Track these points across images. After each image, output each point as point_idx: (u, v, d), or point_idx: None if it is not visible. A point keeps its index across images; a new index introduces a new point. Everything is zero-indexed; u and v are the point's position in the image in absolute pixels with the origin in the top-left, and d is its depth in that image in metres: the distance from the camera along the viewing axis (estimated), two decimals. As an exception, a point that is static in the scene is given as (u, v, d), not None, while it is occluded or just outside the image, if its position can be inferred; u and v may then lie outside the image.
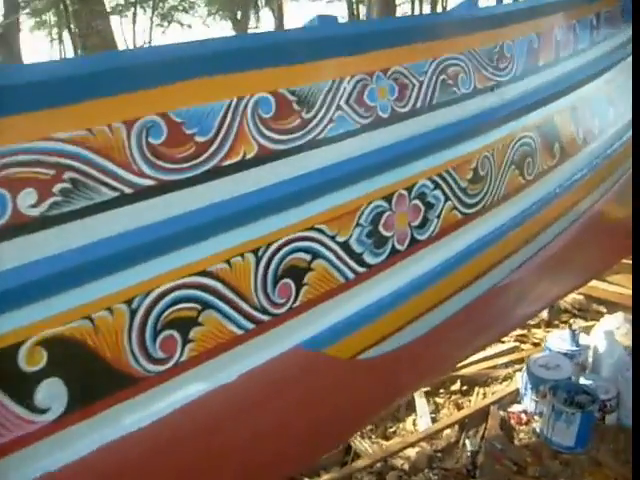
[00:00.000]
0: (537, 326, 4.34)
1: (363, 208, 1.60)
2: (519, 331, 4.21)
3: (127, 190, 1.22)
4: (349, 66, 1.58)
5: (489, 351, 3.95)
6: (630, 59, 2.67)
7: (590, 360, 3.63)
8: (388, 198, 1.64)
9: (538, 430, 3.24)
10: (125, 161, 1.22)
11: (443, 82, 1.76)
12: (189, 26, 23.15)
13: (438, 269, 1.78)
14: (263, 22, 24.33)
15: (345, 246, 1.58)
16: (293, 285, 1.50)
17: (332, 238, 1.55)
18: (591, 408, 3.10)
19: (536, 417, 3.33)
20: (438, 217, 1.76)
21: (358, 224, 1.59)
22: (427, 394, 3.62)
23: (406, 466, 3.11)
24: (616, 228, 2.87)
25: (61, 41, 20.89)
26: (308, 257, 1.52)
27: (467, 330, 2.16)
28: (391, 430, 3.42)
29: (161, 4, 21.42)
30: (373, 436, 3.35)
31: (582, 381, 3.41)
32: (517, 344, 4.09)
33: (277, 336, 1.49)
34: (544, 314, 4.38)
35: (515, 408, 3.45)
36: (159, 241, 1.28)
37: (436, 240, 1.77)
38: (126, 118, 1.22)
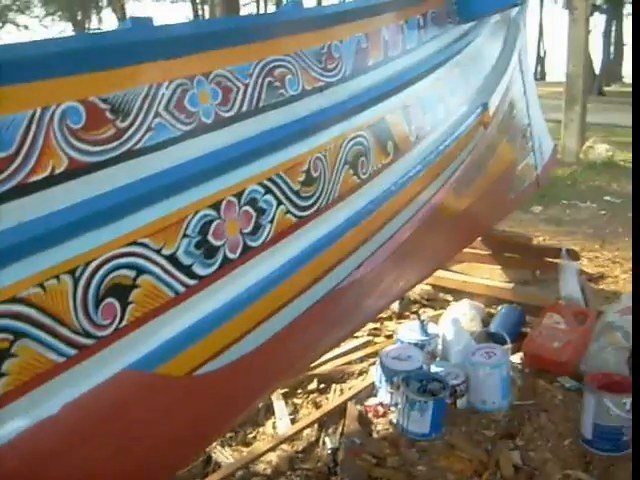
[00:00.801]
0: (389, 318, 4.43)
1: (189, 218, 1.54)
2: (372, 325, 4.28)
3: None
4: (167, 71, 1.52)
5: (343, 347, 3.99)
6: (457, 57, 2.78)
7: (440, 348, 3.75)
8: (216, 206, 1.59)
9: (395, 421, 3.30)
10: None
11: (269, 84, 1.73)
12: (25, 27, 21.98)
13: (275, 275, 1.75)
14: (106, 23, 23.54)
15: (173, 259, 1.51)
16: (118, 304, 1.42)
17: (157, 252, 1.48)
18: (442, 395, 3.20)
19: (392, 409, 3.38)
20: (271, 222, 1.73)
21: (185, 235, 1.53)
22: (285, 395, 3.61)
23: (268, 471, 3.07)
24: (457, 219, 3.06)
25: None
26: (132, 273, 1.44)
27: (315, 331, 2.16)
28: (251, 436, 3.36)
29: (-7, 3, 20.20)
30: (233, 443, 3.29)
31: (433, 369, 3.51)
32: (370, 338, 4.16)
33: (103, 360, 1.40)
34: (395, 306, 4.49)
35: (372, 401, 3.49)
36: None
37: (271, 245, 1.74)
38: None
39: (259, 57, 1.74)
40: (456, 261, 4.41)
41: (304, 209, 1.82)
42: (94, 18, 22.71)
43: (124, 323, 1.43)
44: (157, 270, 1.48)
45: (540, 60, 39.19)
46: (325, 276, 1.93)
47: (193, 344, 1.57)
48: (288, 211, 1.77)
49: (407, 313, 4.51)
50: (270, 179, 1.70)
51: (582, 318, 3.72)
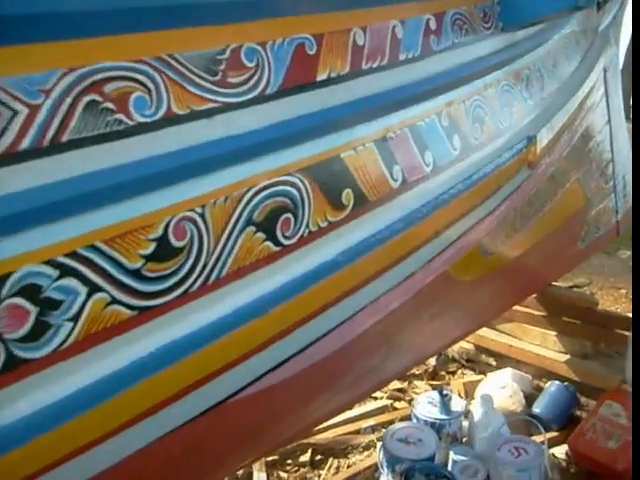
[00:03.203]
0: (419, 377, 3.77)
1: None
2: (397, 383, 3.62)
3: None
4: None
5: (354, 410, 3.35)
6: (496, 74, 2.15)
7: (465, 425, 3.06)
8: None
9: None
10: None
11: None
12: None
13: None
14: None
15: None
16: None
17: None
18: (451, 498, 2.52)
19: (394, 502, 2.73)
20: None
21: None
22: (270, 466, 3.01)
23: None
24: (502, 268, 2.51)
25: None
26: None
27: (308, 393, 1.68)
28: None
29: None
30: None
31: (451, 456, 2.84)
32: (390, 402, 3.49)
33: None
34: (431, 361, 3.83)
35: (371, 489, 2.85)
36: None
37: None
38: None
39: None
40: (504, 319, 3.74)
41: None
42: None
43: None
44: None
45: None
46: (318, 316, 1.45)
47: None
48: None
49: (443, 373, 3.83)
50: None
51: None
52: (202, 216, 1.18)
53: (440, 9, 1.86)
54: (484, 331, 3.71)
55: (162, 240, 1.12)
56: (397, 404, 3.51)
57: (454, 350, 3.89)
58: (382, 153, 1.59)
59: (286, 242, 1.35)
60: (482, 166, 2.04)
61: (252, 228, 1.27)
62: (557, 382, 3.36)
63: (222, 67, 1.23)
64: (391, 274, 1.65)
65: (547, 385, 3.39)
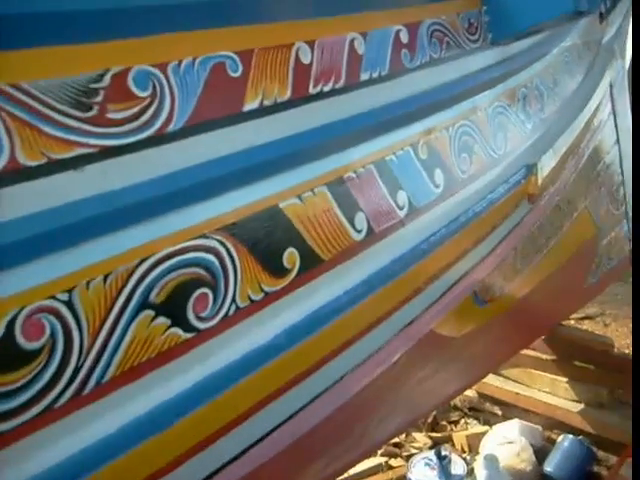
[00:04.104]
0: (418, 428, 3.41)
1: None
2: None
3: None
4: None
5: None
6: (483, 95, 1.85)
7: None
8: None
9: None
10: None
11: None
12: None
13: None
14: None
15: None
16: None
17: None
18: None
19: None
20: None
21: None
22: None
23: None
24: (507, 310, 2.23)
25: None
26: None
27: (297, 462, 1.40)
28: None
29: None
30: None
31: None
32: (385, 459, 3.14)
33: None
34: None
35: None
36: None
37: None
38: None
39: None
40: (510, 364, 3.39)
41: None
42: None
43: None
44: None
45: None
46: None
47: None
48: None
49: (444, 422, 3.49)
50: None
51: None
52: (69, 304, 0.85)
53: (413, 18, 1.56)
54: (488, 377, 3.38)
55: (4, 341, 0.79)
56: (393, 461, 3.15)
57: (456, 397, 3.52)
58: (339, 198, 1.27)
59: (202, 325, 1.01)
60: (472, 204, 1.73)
61: (149, 312, 0.94)
62: (570, 435, 3.04)
63: (98, 99, 0.90)
64: (354, 351, 1.33)
65: (559, 439, 3.06)
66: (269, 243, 1.12)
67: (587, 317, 4.68)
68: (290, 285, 1.15)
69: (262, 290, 1.11)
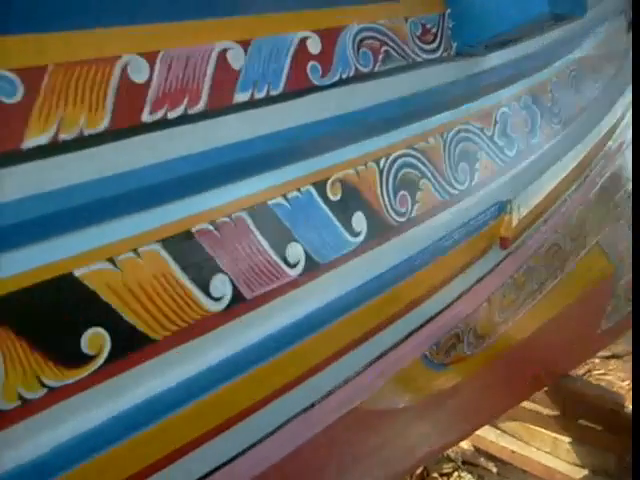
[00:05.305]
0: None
1: None
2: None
3: None
4: None
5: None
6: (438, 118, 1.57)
7: None
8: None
9: None
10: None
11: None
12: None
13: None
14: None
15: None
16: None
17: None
18: None
19: None
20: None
21: None
22: None
23: None
24: (502, 356, 2.07)
25: None
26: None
27: None
28: None
29: None
30: None
31: None
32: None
33: None
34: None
35: None
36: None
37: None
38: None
39: None
40: (507, 417, 3.12)
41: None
42: None
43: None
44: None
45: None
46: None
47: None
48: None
49: (435, 475, 3.21)
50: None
51: None
52: None
53: (331, 23, 1.26)
54: (484, 429, 3.13)
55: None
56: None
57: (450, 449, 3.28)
58: (181, 259, 0.97)
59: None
60: (414, 253, 1.44)
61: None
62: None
63: None
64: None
65: (559, 509, 2.74)
66: (56, 322, 0.84)
67: (614, 356, 4.38)
68: (85, 380, 0.86)
69: (44, 386, 0.83)
